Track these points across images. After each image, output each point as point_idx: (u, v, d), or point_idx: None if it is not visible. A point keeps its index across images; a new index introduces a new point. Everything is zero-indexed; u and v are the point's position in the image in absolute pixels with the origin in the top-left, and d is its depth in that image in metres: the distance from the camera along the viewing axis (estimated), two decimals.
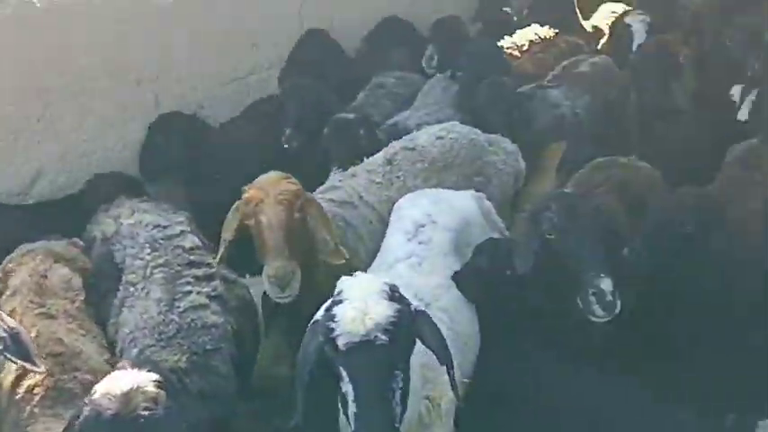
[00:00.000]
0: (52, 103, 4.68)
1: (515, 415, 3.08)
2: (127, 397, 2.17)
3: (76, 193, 4.75)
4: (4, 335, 2.45)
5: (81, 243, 3.86)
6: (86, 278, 3.56)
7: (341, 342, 2.24)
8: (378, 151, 4.31)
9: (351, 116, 4.71)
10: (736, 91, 4.96)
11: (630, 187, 4.03)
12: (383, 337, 2.22)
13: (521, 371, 3.18)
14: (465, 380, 2.98)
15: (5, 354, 2.45)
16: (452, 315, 3.11)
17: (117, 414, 2.14)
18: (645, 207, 3.83)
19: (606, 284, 3.05)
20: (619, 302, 3.07)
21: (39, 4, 4.50)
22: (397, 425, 2.23)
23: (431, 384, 2.69)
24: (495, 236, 3.68)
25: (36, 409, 2.70)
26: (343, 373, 2.24)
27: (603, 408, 3.04)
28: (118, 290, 3.46)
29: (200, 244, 3.61)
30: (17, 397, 2.77)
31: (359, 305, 2.27)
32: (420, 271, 3.27)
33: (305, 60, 5.88)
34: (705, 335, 3.29)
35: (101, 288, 3.55)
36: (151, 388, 2.22)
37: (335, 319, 2.27)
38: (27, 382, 2.78)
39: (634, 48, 5.90)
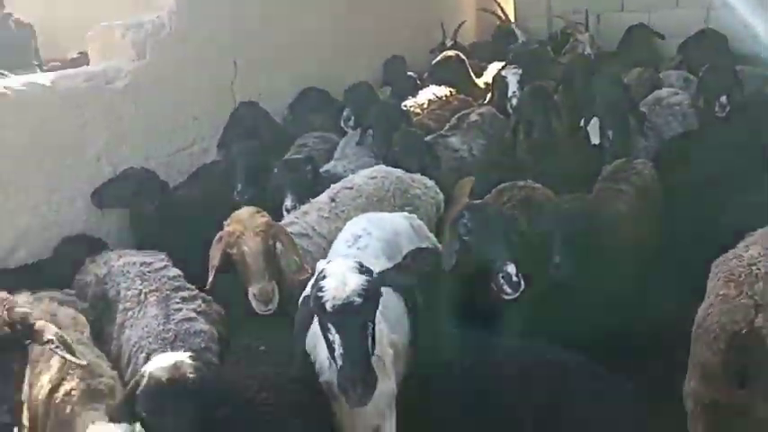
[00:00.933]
0: (27, 179, 5.27)
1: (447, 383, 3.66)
2: (176, 366, 2.85)
3: (50, 256, 5.17)
4: (53, 337, 3.05)
5: (72, 291, 4.50)
6: (86, 316, 4.14)
7: (328, 305, 2.97)
8: (320, 185, 5.15)
9: (299, 156, 5.57)
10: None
11: (530, 202, 4.85)
12: (358, 299, 2.97)
13: (447, 347, 3.76)
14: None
15: (57, 350, 3.03)
16: (383, 301, 3.66)
17: (171, 378, 2.80)
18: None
19: (511, 269, 3.83)
20: (523, 282, 3.85)
21: (13, 95, 5.15)
22: (372, 361, 2.99)
23: (378, 346, 3.28)
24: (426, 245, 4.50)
25: (77, 407, 3.27)
26: (331, 328, 2.98)
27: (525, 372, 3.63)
28: (115, 319, 4.12)
29: (180, 273, 4.32)
30: (56, 401, 3.32)
31: (339, 278, 3.01)
32: None
33: (239, 128, 6.65)
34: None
35: (100, 321, 4.20)
36: (190, 360, 2.93)
37: (323, 290, 2.99)
38: (64, 388, 3.34)
39: (509, 95, 7.06)
